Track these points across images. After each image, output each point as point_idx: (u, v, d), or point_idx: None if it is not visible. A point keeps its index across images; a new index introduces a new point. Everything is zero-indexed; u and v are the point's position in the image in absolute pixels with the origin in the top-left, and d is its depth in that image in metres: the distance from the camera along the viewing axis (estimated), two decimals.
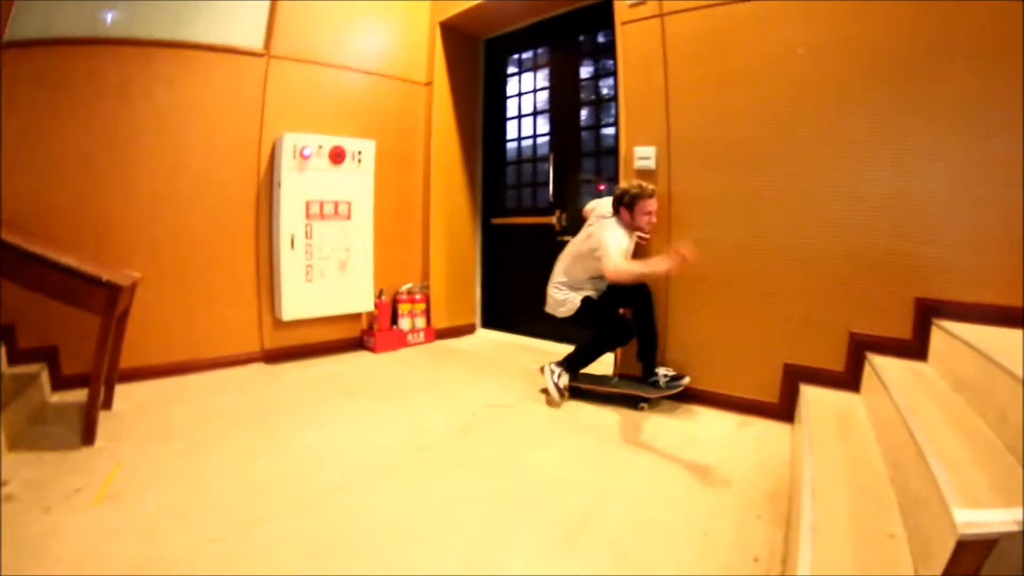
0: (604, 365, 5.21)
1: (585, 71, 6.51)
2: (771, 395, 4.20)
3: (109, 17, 5.32)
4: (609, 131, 6.16)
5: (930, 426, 2.34)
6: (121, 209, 5.28)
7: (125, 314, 4.67)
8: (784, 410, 4.12)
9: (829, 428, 3.24)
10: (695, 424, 4.22)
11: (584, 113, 6.52)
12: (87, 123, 5.13)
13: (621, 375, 4.99)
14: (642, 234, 4.69)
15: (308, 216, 5.97)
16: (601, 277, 4.58)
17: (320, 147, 6.02)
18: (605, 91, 6.25)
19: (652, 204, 4.48)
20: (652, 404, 4.55)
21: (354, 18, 6.62)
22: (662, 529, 2.79)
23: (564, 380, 4.71)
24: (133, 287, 4.53)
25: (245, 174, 5.90)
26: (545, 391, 4.83)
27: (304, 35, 6.21)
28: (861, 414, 3.40)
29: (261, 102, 5.94)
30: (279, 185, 5.83)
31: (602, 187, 6.28)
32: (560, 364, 4.77)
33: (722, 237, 4.45)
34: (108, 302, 3.89)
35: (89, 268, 3.87)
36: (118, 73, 5.25)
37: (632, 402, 4.59)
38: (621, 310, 4.83)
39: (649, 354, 4.67)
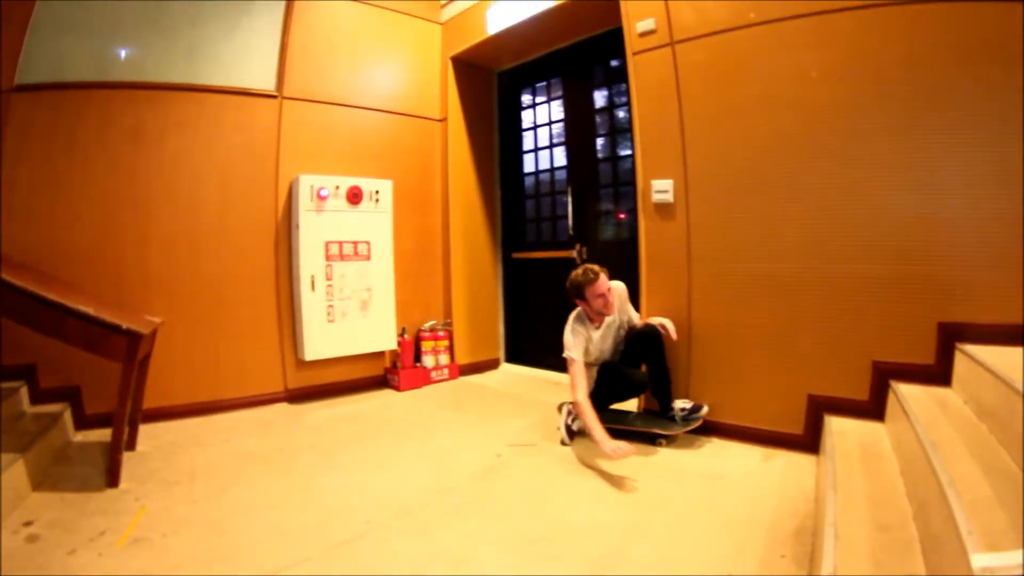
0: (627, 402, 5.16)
1: (600, 100, 6.51)
2: (795, 426, 4.14)
3: (123, 53, 5.45)
4: (627, 161, 6.10)
5: (952, 461, 2.29)
6: (139, 252, 5.37)
7: (147, 357, 4.70)
8: (809, 441, 4.05)
9: (853, 461, 3.18)
10: (720, 459, 4.16)
11: (601, 143, 6.51)
12: (102, 167, 5.25)
13: (642, 411, 4.96)
14: (605, 315, 4.66)
15: (328, 257, 6.02)
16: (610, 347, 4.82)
17: (337, 188, 6.07)
18: (622, 114, 6.23)
19: (600, 286, 4.47)
20: (671, 440, 4.52)
21: (365, 57, 6.71)
22: (687, 572, 2.75)
23: (579, 423, 4.71)
24: (154, 333, 4.57)
25: (263, 215, 5.97)
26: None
27: (316, 75, 6.30)
28: (885, 445, 3.33)
29: (276, 143, 6.03)
30: (297, 227, 5.89)
31: (622, 216, 6.26)
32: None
33: (741, 269, 4.42)
34: (129, 349, 3.92)
35: (108, 315, 3.90)
36: (131, 117, 5.37)
37: (652, 438, 4.56)
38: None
39: (664, 390, 4.66)
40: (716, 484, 3.73)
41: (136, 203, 5.38)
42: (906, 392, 3.39)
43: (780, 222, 4.21)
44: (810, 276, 4.08)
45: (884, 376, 3.72)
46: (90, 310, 3.82)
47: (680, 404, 4.53)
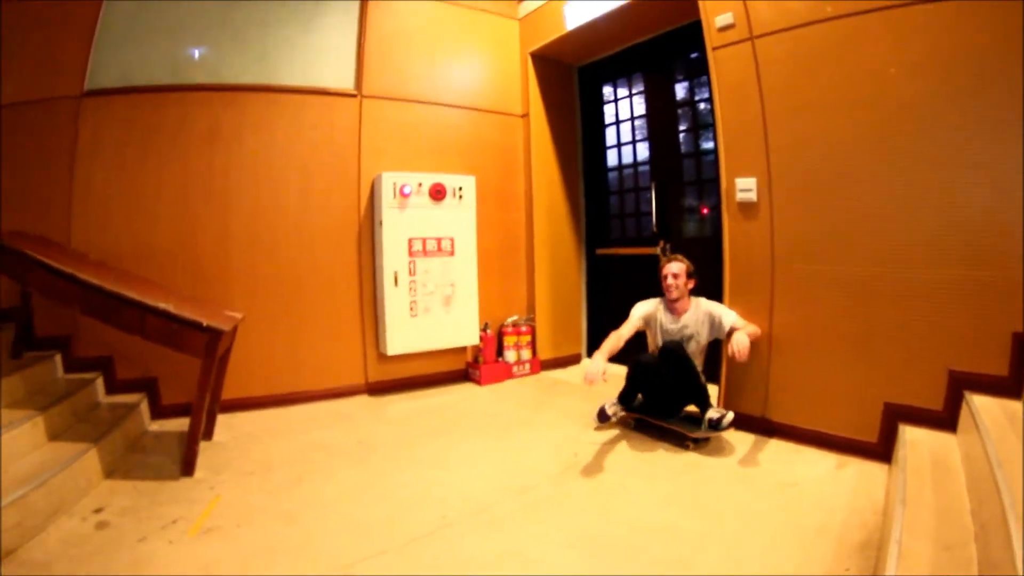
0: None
1: (681, 93, 6.49)
2: (870, 434, 4.10)
3: (196, 56, 5.68)
4: (711, 156, 6.06)
5: (1018, 481, 2.26)
6: (219, 249, 5.62)
7: (228, 352, 4.91)
8: (882, 450, 4.02)
9: (923, 474, 3.16)
10: (794, 464, 4.16)
11: (683, 137, 6.49)
12: (179, 168, 5.51)
13: (682, 414, 5.00)
14: (672, 301, 4.97)
15: (411, 253, 6.19)
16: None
17: (420, 185, 6.22)
18: (703, 107, 6.20)
19: (669, 268, 4.92)
20: (698, 444, 4.61)
21: (443, 54, 6.83)
22: None
23: (614, 409, 5.09)
24: (235, 328, 4.75)
25: (344, 213, 6.17)
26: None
27: (395, 73, 6.46)
28: (956, 458, 3.29)
29: (356, 141, 6.21)
30: (380, 223, 6.06)
31: (706, 211, 6.25)
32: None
33: (823, 271, 4.39)
34: (209, 346, 4.09)
35: (189, 312, 4.07)
36: (207, 118, 5.61)
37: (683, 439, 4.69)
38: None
39: (694, 401, 4.79)
40: (788, 491, 3.74)
41: (214, 201, 5.63)
42: (979, 404, 3.34)
43: (862, 224, 4.17)
44: (889, 279, 4.03)
45: (959, 386, 3.66)
46: (170, 307, 3.99)
47: (711, 413, 4.56)
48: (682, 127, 6.51)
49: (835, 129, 4.30)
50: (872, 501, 3.49)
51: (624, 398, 5.07)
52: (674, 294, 4.87)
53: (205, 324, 4.01)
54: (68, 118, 5.26)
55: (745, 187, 4.83)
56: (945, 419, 3.73)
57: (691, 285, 4.94)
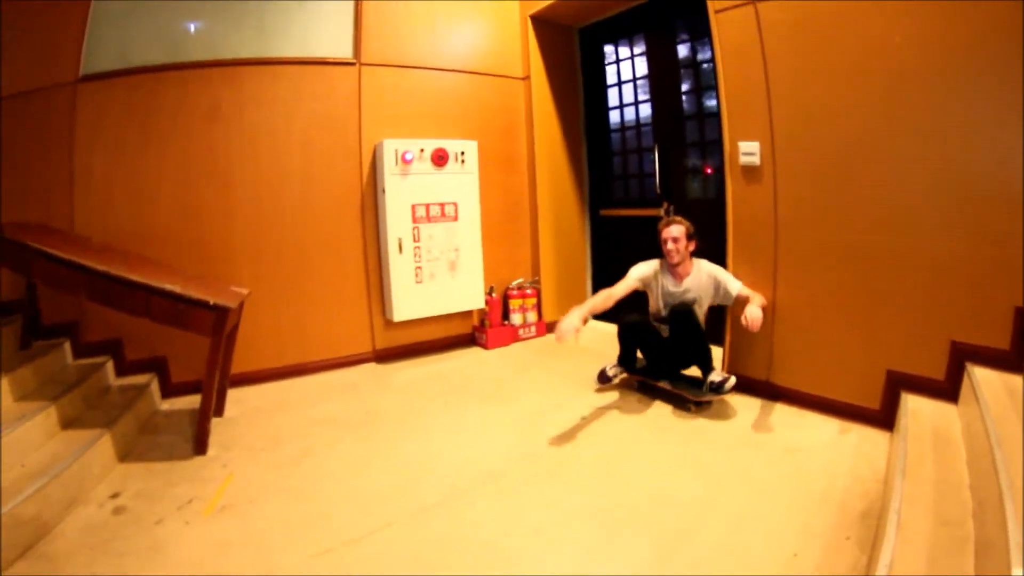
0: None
1: (684, 53, 6.44)
2: (872, 401, 4.17)
3: (193, 27, 5.67)
4: (715, 118, 5.90)
5: (1016, 460, 2.32)
6: (223, 225, 5.67)
7: (235, 328, 4.96)
8: (884, 417, 4.08)
9: (924, 445, 3.22)
10: (798, 430, 4.23)
11: (686, 99, 6.47)
12: (180, 146, 5.53)
13: (681, 376, 5.11)
14: (674, 264, 4.93)
15: (415, 219, 6.22)
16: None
17: (422, 151, 6.23)
18: (707, 67, 6.09)
19: (670, 231, 4.84)
20: (700, 407, 4.70)
21: (442, 18, 6.78)
22: (754, 550, 2.88)
23: (615, 371, 5.28)
24: (241, 304, 4.79)
25: (347, 181, 6.20)
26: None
27: (393, 40, 6.43)
28: (957, 430, 3.34)
29: (357, 110, 6.21)
30: (383, 191, 6.10)
31: (709, 171, 6.24)
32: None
33: (827, 238, 4.42)
34: (217, 323, 4.13)
35: (195, 291, 4.10)
36: (207, 96, 5.61)
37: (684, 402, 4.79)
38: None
39: (698, 363, 4.86)
40: (792, 457, 3.83)
41: (217, 178, 5.66)
42: (980, 377, 3.38)
43: (866, 191, 4.17)
44: (894, 249, 4.05)
45: (961, 357, 3.70)
46: (176, 287, 4.03)
47: (714, 376, 4.63)
48: (685, 87, 6.48)
49: (839, 96, 4.27)
50: (874, 469, 3.57)
51: (623, 360, 5.18)
52: (675, 259, 4.85)
53: (212, 302, 4.05)
54: (66, 105, 5.26)
55: (748, 151, 4.82)
56: (947, 389, 3.78)
57: (692, 247, 4.91)
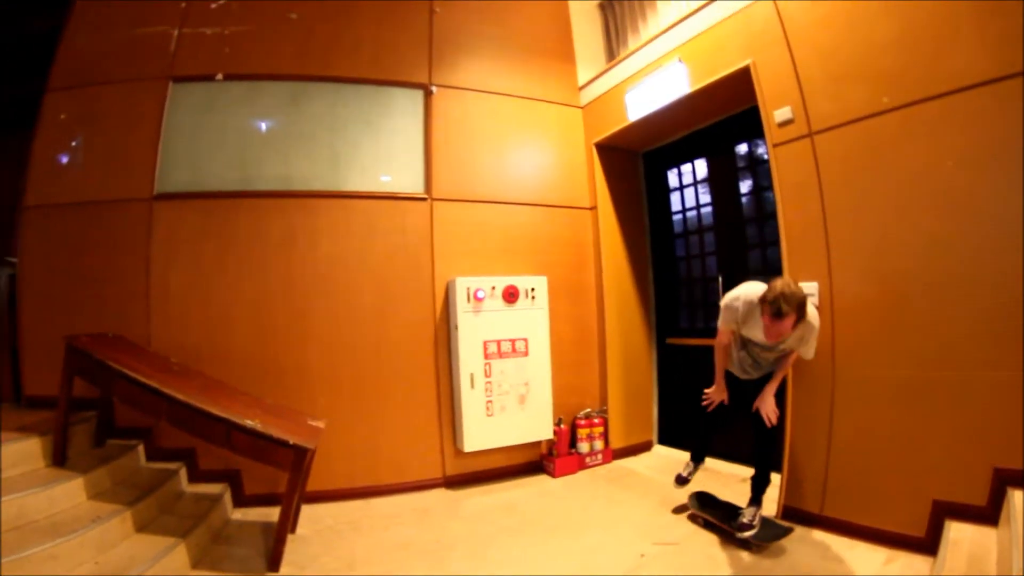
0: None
1: (746, 180, 6.74)
2: (919, 529, 4.31)
3: (266, 163, 6.34)
4: (775, 249, 5.89)
5: None
6: (298, 350, 6.18)
7: (312, 454, 5.18)
8: (930, 543, 4.20)
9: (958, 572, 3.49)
10: (846, 563, 4.40)
11: (749, 228, 6.72)
12: (255, 272, 6.13)
13: (722, 502, 5.30)
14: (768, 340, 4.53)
15: (486, 355, 6.68)
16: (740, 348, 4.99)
17: (493, 288, 6.73)
18: (770, 196, 6.11)
19: (780, 326, 4.18)
20: (760, 549, 4.74)
21: (509, 150, 7.42)
22: None
23: (688, 468, 5.48)
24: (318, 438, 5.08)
25: (420, 316, 6.72)
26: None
27: (462, 174, 7.05)
28: (992, 556, 3.57)
29: (429, 245, 6.77)
30: (456, 328, 6.58)
31: None
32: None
33: (882, 374, 4.60)
34: (296, 461, 4.47)
35: (275, 429, 4.48)
36: (282, 224, 6.24)
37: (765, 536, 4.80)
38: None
39: (755, 478, 4.96)
40: None
41: (293, 305, 6.22)
42: (1017, 501, 3.58)
43: (916, 324, 4.41)
44: (946, 382, 4.24)
45: (1003, 482, 3.87)
46: (257, 424, 4.42)
47: (744, 516, 4.76)
48: (747, 217, 6.76)
49: (896, 227, 4.54)
50: None
51: (695, 453, 5.43)
52: (773, 341, 4.47)
53: (292, 442, 4.39)
54: (141, 219, 5.93)
55: (808, 292, 4.82)
56: (989, 514, 3.96)
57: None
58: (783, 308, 4.09)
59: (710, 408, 5.21)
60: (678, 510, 5.61)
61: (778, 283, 4.23)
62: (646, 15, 7.35)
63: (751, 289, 4.65)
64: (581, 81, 7.96)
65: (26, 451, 4.64)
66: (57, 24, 6.43)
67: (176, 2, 6.44)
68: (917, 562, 4.26)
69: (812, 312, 4.51)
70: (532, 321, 7.03)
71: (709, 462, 5.74)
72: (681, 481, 5.45)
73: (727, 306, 4.80)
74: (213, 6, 6.50)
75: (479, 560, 4.82)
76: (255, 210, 6.21)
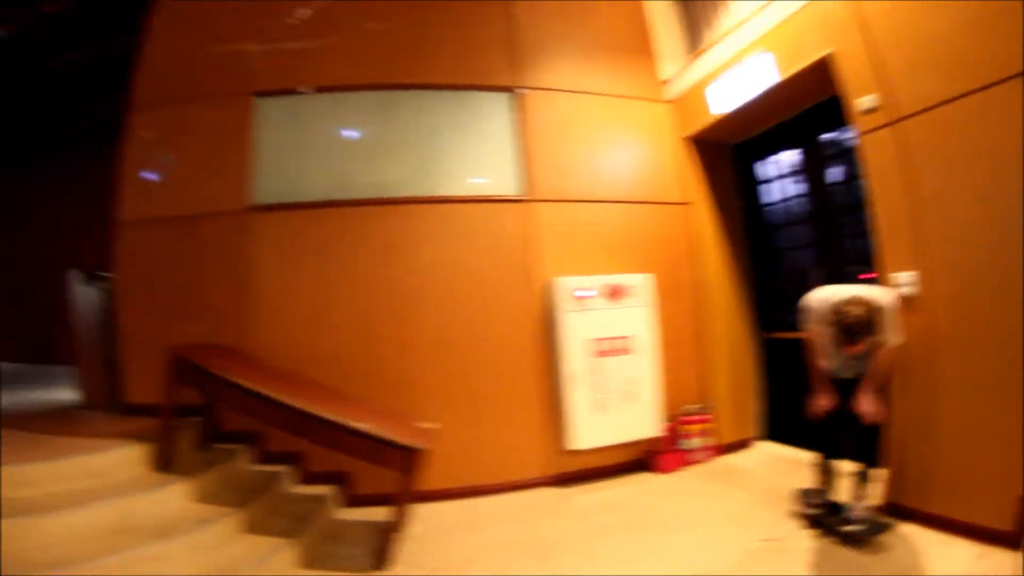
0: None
1: (837, 169, 6.65)
2: (1006, 523, 4.26)
3: (362, 171, 6.57)
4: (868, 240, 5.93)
5: None
6: (400, 353, 6.41)
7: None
8: (1017, 537, 4.15)
9: None
10: (945, 559, 4.36)
11: (842, 217, 6.64)
12: (357, 277, 6.39)
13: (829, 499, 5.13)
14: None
15: (591, 354, 6.75)
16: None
17: (594, 288, 6.80)
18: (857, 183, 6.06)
19: (840, 339, 4.46)
20: (862, 544, 4.65)
21: (600, 148, 7.47)
22: None
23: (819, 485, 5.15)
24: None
25: (521, 316, 6.82)
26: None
27: (557, 174, 7.12)
28: None
29: (528, 246, 6.87)
30: (558, 327, 6.68)
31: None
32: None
33: (981, 372, 4.52)
34: (407, 463, 4.58)
35: (387, 431, 4.58)
36: (381, 231, 6.46)
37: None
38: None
39: (856, 474, 4.85)
40: None
41: (393, 309, 6.44)
42: None
43: (1014, 316, 4.25)
44: None
45: None
46: (370, 428, 4.53)
47: (852, 512, 4.74)
48: (839, 206, 6.66)
49: (987, 210, 4.43)
50: None
51: (823, 468, 5.13)
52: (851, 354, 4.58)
53: (403, 444, 4.50)
54: (237, 230, 6.23)
55: (905, 281, 4.97)
56: None
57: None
58: (855, 336, 4.34)
59: (822, 416, 5.01)
60: (782, 506, 5.54)
61: (847, 305, 4.41)
62: (724, 5, 7.23)
63: (824, 295, 4.83)
64: (662, 76, 7.93)
65: (130, 457, 4.92)
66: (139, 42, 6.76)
67: (252, 20, 6.74)
68: (1009, 559, 4.19)
69: (880, 294, 4.66)
70: (636, 319, 7.07)
71: (808, 456, 5.67)
72: (813, 501, 5.15)
73: (805, 310, 4.98)
74: (290, 21, 6.77)
75: (587, 557, 4.87)
76: (351, 218, 6.43)
